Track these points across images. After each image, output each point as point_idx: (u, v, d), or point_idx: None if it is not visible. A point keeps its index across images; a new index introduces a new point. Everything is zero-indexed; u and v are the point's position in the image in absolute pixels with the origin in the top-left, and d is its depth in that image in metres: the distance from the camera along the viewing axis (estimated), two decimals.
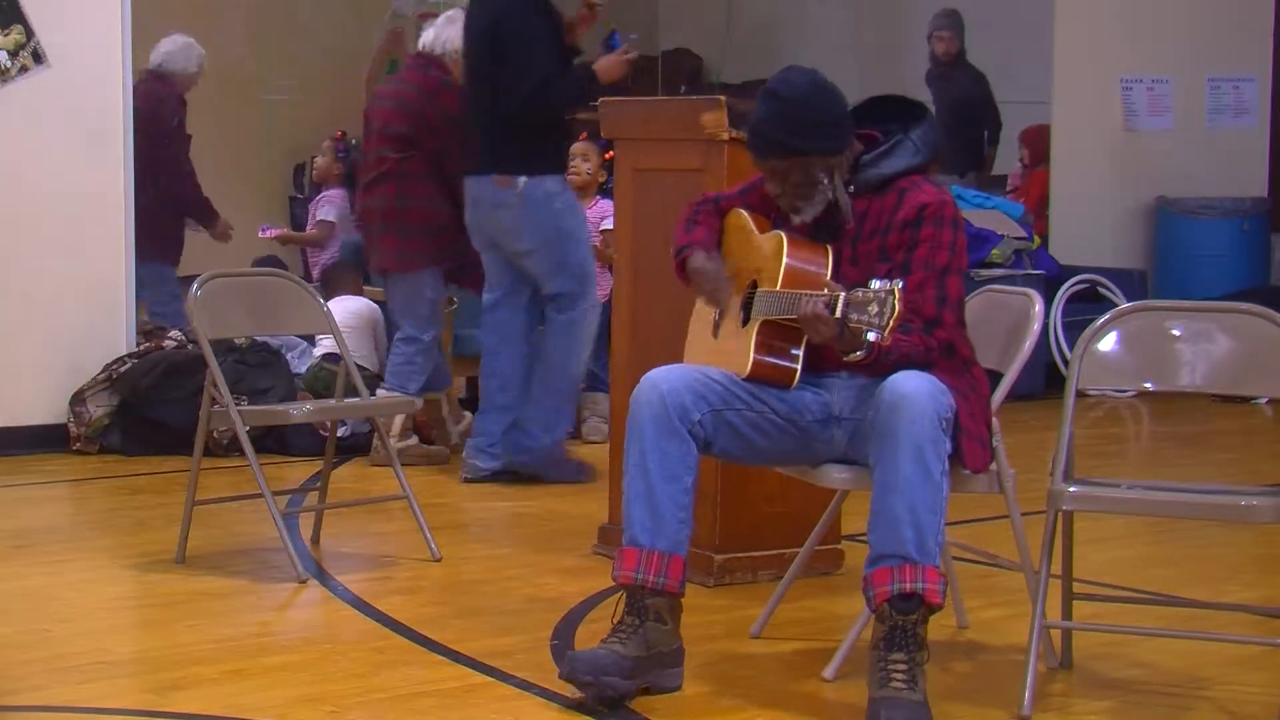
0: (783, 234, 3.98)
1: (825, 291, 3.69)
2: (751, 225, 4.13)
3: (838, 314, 3.60)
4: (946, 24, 10.44)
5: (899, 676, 3.64)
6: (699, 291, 4.15)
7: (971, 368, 4.01)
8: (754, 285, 4.02)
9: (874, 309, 3.53)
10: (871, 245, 3.95)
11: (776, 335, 3.93)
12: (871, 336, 3.55)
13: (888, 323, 3.52)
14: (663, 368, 3.98)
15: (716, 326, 4.18)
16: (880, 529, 3.70)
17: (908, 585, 3.65)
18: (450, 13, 6.91)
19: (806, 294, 3.75)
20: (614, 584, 3.92)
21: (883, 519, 3.69)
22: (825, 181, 3.94)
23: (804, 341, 3.91)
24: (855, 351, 3.69)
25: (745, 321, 4.02)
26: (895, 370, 3.77)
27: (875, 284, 3.55)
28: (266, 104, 11.68)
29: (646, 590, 3.87)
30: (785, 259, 3.93)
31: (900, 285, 3.54)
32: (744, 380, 3.95)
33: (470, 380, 8.13)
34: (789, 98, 3.95)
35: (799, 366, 3.95)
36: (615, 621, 3.92)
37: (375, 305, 7.58)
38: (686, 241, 4.18)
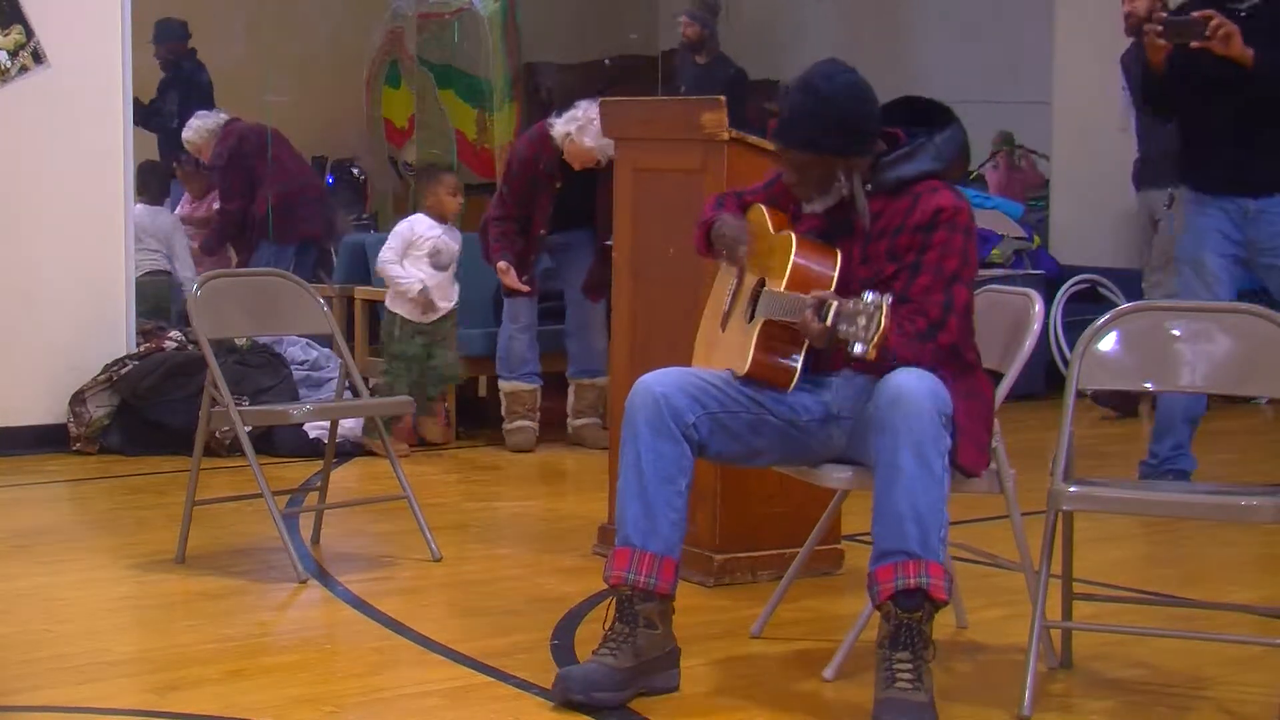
0: (793, 235, 3.98)
1: (820, 296, 3.69)
2: (769, 223, 4.10)
3: (828, 322, 3.61)
4: (691, 10, 9.99)
5: (904, 676, 3.64)
6: (721, 245, 4.11)
7: (975, 371, 3.99)
8: (762, 284, 4.03)
9: (861, 321, 3.54)
10: (881, 246, 3.93)
11: (779, 336, 3.93)
12: (857, 350, 3.55)
13: (872, 338, 3.52)
14: (657, 371, 3.97)
15: (725, 318, 4.17)
16: (883, 525, 3.70)
17: (911, 580, 3.65)
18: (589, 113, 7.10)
19: (804, 297, 3.76)
20: (606, 585, 3.92)
21: (885, 515, 3.69)
22: (843, 180, 3.94)
23: (805, 345, 3.92)
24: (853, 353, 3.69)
25: (752, 317, 4.02)
26: (899, 363, 3.76)
27: (868, 296, 3.56)
28: (266, 104, 11.68)
29: (637, 591, 3.86)
30: (793, 258, 3.93)
31: (889, 299, 3.55)
32: (742, 379, 3.96)
33: (472, 379, 8.16)
34: (828, 97, 3.90)
35: (798, 368, 3.94)
36: (606, 630, 3.92)
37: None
38: (714, 215, 4.18)
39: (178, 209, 10.08)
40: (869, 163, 3.96)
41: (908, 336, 3.80)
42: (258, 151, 9.41)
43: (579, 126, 7.10)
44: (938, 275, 3.86)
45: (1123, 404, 8.42)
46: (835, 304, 3.61)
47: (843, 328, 3.57)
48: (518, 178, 7.25)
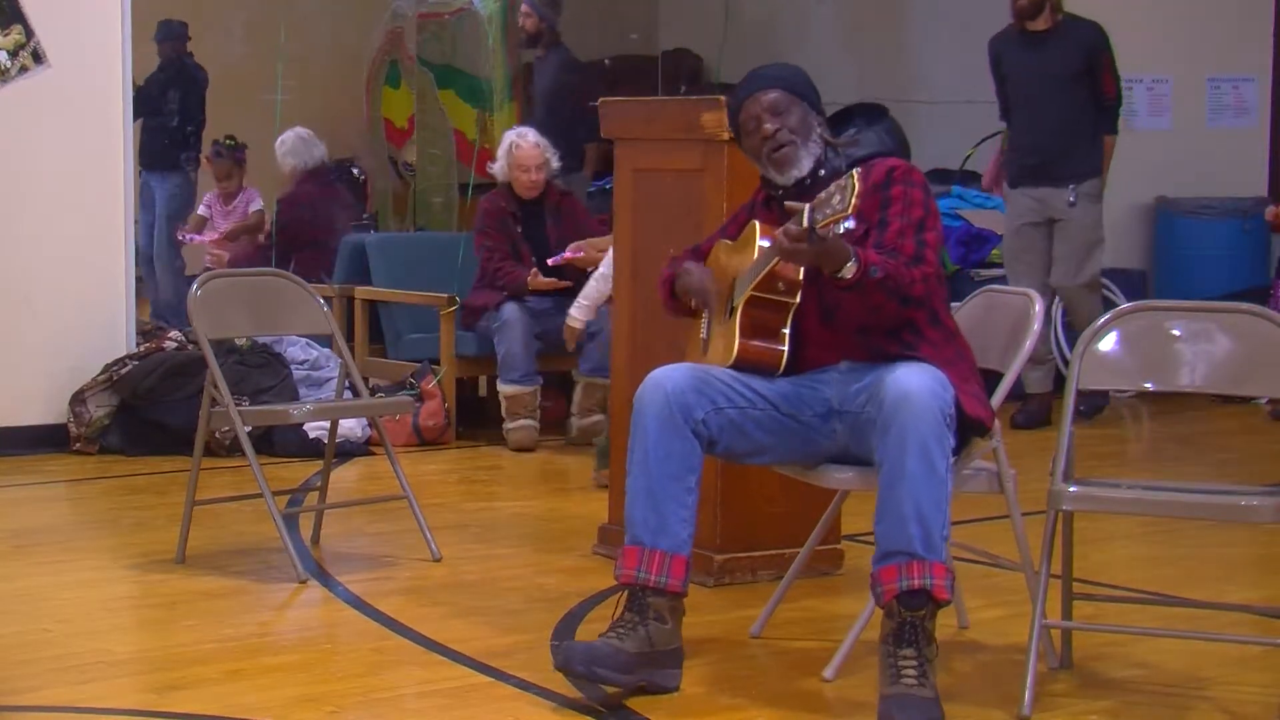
0: (755, 221, 4.03)
1: (792, 207, 3.75)
2: (730, 245, 4.16)
3: (805, 224, 3.66)
4: (533, 1, 9.55)
5: (910, 672, 3.64)
6: (691, 293, 4.17)
7: (956, 337, 4.03)
8: (733, 284, 4.04)
9: (836, 199, 3.62)
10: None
11: (761, 316, 3.95)
12: (850, 224, 3.63)
13: (850, 199, 3.59)
14: (666, 367, 3.98)
15: (705, 344, 4.19)
16: (886, 525, 3.71)
17: (915, 581, 3.66)
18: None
19: (775, 234, 3.81)
20: (616, 583, 3.92)
21: (888, 515, 3.70)
22: (818, 131, 4.05)
23: (790, 319, 3.93)
24: (844, 266, 3.73)
25: (730, 313, 4.03)
26: (884, 291, 3.79)
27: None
28: (266, 104, 11.67)
29: (648, 590, 3.87)
30: (759, 230, 3.98)
31: (858, 172, 3.66)
32: (732, 367, 3.96)
33: (472, 380, 8.16)
34: (783, 64, 4.20)
35: (786, 349, 3.95)
36: (615, 618, 3.92)
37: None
38: (670, 269, 4.27)
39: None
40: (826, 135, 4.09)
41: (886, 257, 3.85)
42: (316, 226, 9.20)
43: (511, 143, 7.66)
44: (906, 221, 3.92)
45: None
46: (806, 206, 3.68)
47: (819, 216, 3.64)
48: (489, 229, 7.65)
